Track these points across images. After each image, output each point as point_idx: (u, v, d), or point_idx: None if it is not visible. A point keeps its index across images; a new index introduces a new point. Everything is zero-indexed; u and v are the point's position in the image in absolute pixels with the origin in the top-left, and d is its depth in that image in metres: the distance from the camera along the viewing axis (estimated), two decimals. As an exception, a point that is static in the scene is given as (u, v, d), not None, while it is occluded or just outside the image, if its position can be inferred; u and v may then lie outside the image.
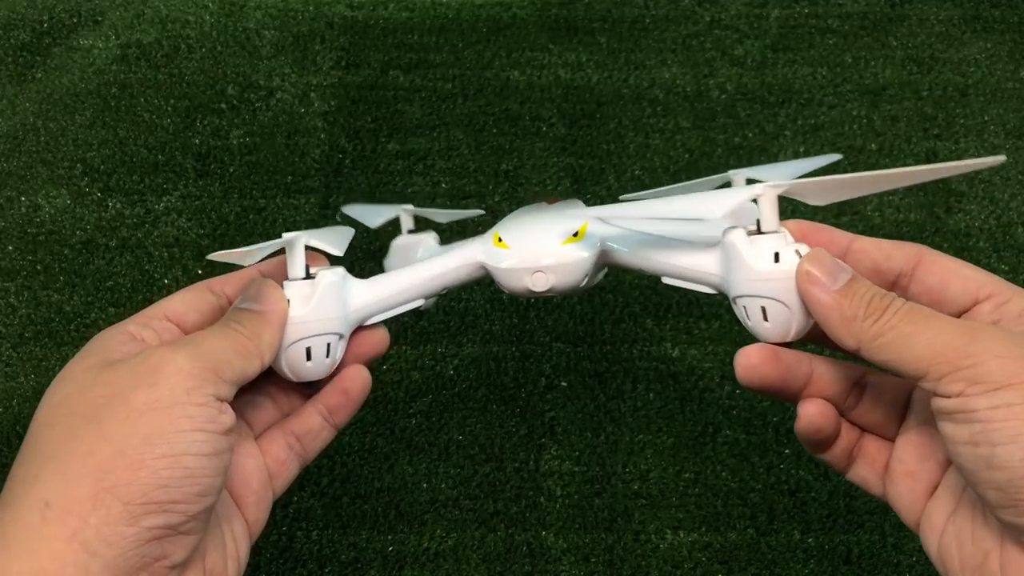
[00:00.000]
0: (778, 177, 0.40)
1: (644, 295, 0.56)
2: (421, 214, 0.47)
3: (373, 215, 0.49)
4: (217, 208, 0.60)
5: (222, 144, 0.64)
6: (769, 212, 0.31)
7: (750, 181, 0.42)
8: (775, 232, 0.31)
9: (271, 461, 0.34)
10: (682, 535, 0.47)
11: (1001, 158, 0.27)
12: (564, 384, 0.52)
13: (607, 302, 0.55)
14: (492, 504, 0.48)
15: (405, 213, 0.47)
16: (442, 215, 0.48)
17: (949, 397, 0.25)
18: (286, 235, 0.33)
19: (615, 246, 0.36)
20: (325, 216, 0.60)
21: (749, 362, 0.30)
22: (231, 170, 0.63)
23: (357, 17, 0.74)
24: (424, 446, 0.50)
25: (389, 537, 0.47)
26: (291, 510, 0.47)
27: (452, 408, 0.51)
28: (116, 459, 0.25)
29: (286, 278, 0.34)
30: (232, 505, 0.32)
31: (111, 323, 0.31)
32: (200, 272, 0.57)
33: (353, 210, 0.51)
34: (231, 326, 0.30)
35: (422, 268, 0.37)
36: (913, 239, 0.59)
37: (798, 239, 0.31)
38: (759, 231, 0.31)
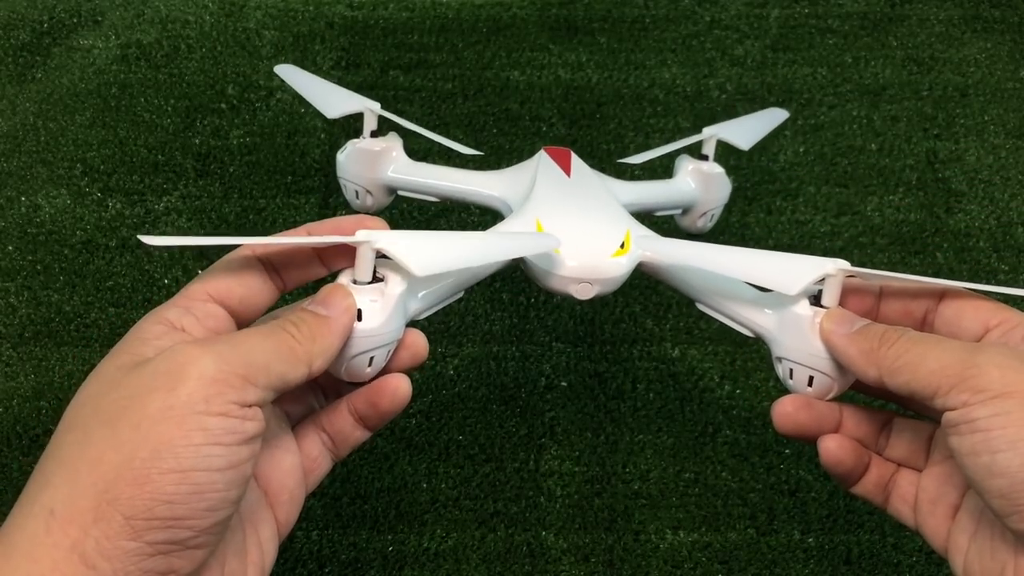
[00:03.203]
0: (739, 136, 0.49)
1: (644, 295, 0.56)
2: (393, 119, 0.43)
3: (329, 100, 0.44)
4: (217, 208, 0.60)
5: (222, 144, 0.64)
6: (834, 292, 0.32)
7: (720, 141, 0.49)
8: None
9: (304, 458, 0.33)
10: (682, 535, 0.47)
11: None
12: (564, 384, 0.52)
13: (607, 302, 0.55)
14: (492, 504, 0.48)
15: (370, 112, 0.42)
16: (422, 132, 0.43)
17: (955, 409, 0.27)
18: (361, 234, 0.31)
19: (663, 267, 0.37)
20: (324, 217, 0.60)
21: (785, 410, 0.33)
22: (231, 170, 0.63)
23: (357, 17, 0.74)
24: (424, 446, 0.50)
25: (389, 537, 0.47)
26: (291, 510, 0.47)
27: (452, 408, 0.51)
28: (122, 470, 0.24)
29: (352, 278, 0.32)
30: (264, 504, 0.31)
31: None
32: (200, 272, 0.57)
33: (295, 77, 0.45)
34: (284, 326, 0.28)
35: (471, 263, 0.36)
36: (913, 239, 0.59)
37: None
38: (819, 303, 0.32)
